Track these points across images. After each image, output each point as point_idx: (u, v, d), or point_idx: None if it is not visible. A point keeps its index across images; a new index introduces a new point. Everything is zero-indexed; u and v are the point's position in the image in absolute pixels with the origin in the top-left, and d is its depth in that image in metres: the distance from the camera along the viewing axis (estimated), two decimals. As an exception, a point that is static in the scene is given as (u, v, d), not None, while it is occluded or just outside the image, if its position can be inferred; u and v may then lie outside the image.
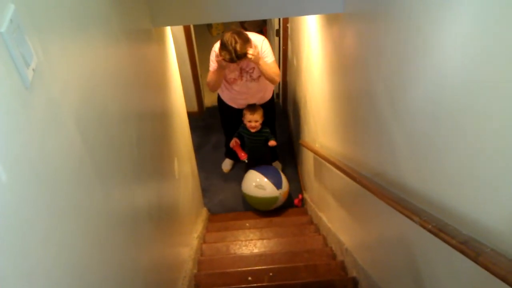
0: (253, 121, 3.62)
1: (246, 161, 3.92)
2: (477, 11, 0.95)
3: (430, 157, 1.26)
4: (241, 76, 3.43)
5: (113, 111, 1.30)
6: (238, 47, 2.92)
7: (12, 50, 0.69)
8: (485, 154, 0.97)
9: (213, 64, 3.29)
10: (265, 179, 3.81)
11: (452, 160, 1.13)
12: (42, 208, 0.77)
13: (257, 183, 3.81)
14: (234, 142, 3.76)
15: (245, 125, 3.71)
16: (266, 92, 3.70)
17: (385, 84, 1.57)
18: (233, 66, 3.31)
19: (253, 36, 3.20)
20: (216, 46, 3.23)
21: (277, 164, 4.38)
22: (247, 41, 3.01)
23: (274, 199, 3.83)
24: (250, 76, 3.43)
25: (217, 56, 3.17)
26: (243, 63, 3.29)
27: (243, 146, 3.85)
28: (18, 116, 0.70)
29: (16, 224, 0.68)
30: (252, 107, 3.62)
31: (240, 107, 3.74)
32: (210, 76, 3.35)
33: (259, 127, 3.69)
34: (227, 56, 2.97)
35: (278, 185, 3.82)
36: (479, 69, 0.96)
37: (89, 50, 1.13)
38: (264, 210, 3.98)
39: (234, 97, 3.65)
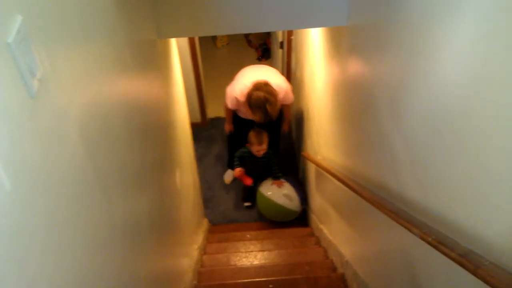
0: (261, 150, 3.61)
1: (253, 185, 3.92)
2: (479, 27, 0.97)
3: (431, 170, 1.27)
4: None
5: (117, 121, 1.31)
6: (270, 110, 3.07)
7: (18, 60, 0.70)
8: (485, 167, 0.98)
9: (231, 104, 3.43)
10: (294, 192, 3.80)
11: (453, 173, 1.13)
12: (45, 217, 0.77)
13: (287, 193, 3.77)
14: (238, 172, 3.70)
15: (249, 149, 3.68)
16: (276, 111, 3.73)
17: (386, 96, 1.58)
18: (249, 111, 3.31)
19: (277, 82, 3.27)
20: (237, 90, 3.29)
21: None
22: (276, 100, 3.12)
23: (294, 213, 3.84)
24: None
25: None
26: None
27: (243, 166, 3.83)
28: (23, 125, 0.72)
29: (19, 232, 0.69)
30: (259, 137, 3.56)
31: (249, 117, 3.76)
32: (226, 114, 3.66)
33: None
34: (261, 119, 3.13)
35: (302, 201, 3.86)
36: (480, 81, 0.97)
37: (95, 61, 1.14)
38: (273, 220, 3.96)
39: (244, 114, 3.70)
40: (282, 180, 3.81)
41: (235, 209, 4.26)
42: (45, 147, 0.79)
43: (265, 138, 3.58)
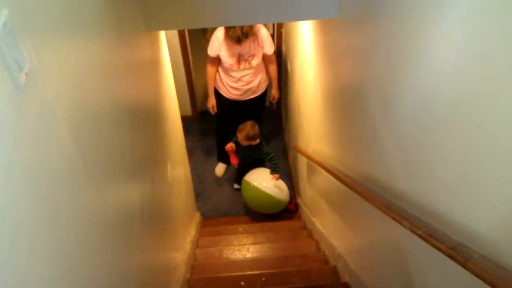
0: (246, 143, 3.60)
1: (236, 166, 3.98)
2: (468, 18, 0.97)
3: (421, 162, 1.27)
4: (238, 63, 3.54)
5: (106, 114, 1.30)
6: (246, 25, 3.23)
7: (5, 54, 0.69)
8: (475, 159, 0.98)
9: (213, 48, 3.51)
10: (284, 183, 3.77)
11: (443, 165, 1.14)
12: (34, 212, 0.77)
13: (277, 183, 3.72)
14: (230, 147, 3.72)
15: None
16: (260, 83, 3.80)
17: (377, 89, 1.58)
18: (232, 51, 3.47)
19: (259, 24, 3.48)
20: (219, 30, 3.47)
21: None
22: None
23: (284, 203, 3.80)
24: (249, 64, 3.56)
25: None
26: (243, 50, 3.45)
27: (236, 152, 3.84)
28: (11, 119, 0.71)
29: (8, 230, 0.68)
30: (251, 133, 3.55)
31: (236, 97, 3.81)
32: (208, 77, 3.71)
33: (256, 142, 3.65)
34: (235, 35, 3.28)
35: (291, 193, 3.85)
36: (470, 75, 0.97)
37: (83, 54, 1.13)
38: (262, 212, 3.94)
39: (230, 85, 3.73)
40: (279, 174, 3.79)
41: (227, 202, 4.26)
42: (34, 141, 0.78)
43: (255, 134, 3.57)
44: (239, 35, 3.27)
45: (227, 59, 3.53)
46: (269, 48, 3.56)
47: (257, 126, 3.58)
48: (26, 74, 0.76)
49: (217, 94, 3.84)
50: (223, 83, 3.76)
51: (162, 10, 2.07)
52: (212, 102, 3.86)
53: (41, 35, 0.87)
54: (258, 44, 3.50)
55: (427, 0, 1.14)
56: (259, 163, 3.96)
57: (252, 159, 3.86)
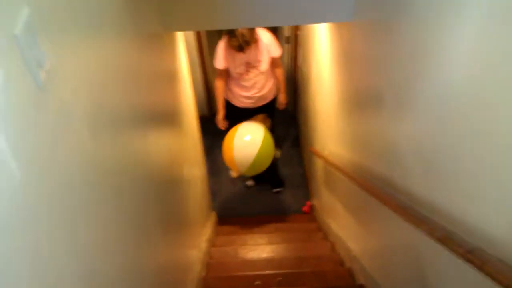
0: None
1: None
2: (483, 19, 0.96)
3: (437, 165, 1.26)
4: (247, 70, 3.50)
5: (123, 113, 1.31)
6: (245, 32, 3.21)
7: (25, 52, 0.70)
8: (493, 163, 0.97)
9: (220, 61, 3.47)
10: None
11: (459, 168, 1.12)
12: (53, 207, 0.78)
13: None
14: None
15: None
16: (271, 88, 3.75)
17: (393, 91, 1.57)
18: (239, 60, 3.42)
19: (260, 30, 3.42)
20: (221, 43, 3.44)
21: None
22: (252, 28, 3.28)
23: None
24: (258, 69, 3.51)
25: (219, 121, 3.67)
26: (249, 57, 3.40)
27: None
28: (31, 116, 0.72)
29: (30, 221, 0.70)
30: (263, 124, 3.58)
31: (249, 106, 3.77)
32: (217, 91, 3.67)
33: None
34: (237, 44, 3.24)
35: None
36: (487, 77, 0.96)
37: (102, 53, 1.14)
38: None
39: (242, 95, 3.69)
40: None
41: (242, 202, 4.28)
42: (53, 138, 0.80)
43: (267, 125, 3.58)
44: (241, 44, 3.23)
45: (236, 69, 3.48)
46: (275, 50, 3.47)
47: (268, 120, 3.57)
48: (46, 72, 0.77)
49: (230, 104, 3.76)
50: (234, 95, 3.70)
51: (180, 12, 2.08)
52: (221, 116, 3.69)
53: (62, 33, 0.89)
54: (262, 50, 3.43)
55: (444, 2, 1.13)
56: None
57: None
